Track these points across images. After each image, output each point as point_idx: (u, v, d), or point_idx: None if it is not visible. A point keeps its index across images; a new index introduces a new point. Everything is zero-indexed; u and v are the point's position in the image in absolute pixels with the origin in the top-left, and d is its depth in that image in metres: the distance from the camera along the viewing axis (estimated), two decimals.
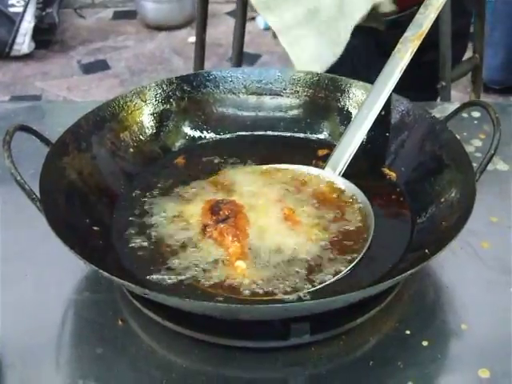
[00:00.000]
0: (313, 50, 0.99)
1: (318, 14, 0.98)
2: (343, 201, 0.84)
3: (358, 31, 1.31)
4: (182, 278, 0.73)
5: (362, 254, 0.76)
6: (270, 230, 0.78)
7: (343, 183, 0.86)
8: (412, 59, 0.91)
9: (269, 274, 0.74)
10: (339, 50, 0.99)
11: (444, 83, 1.39)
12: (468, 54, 1.56)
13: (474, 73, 1.59)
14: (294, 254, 0.76)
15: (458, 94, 2.18)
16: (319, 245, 0.77)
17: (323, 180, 0.87)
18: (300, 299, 0.70)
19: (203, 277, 0.73)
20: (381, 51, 1.31)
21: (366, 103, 0.90)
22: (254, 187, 0.86)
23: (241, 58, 1.59)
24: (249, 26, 3.41)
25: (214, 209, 0.81)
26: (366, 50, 1.33)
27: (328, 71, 1.30)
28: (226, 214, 0.79)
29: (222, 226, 0.78)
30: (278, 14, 1.04)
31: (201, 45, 1.68)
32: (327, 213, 0.82)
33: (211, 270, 0.74)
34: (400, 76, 0.90)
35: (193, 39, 3.18)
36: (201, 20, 1.67)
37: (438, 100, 1.39)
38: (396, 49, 0.92)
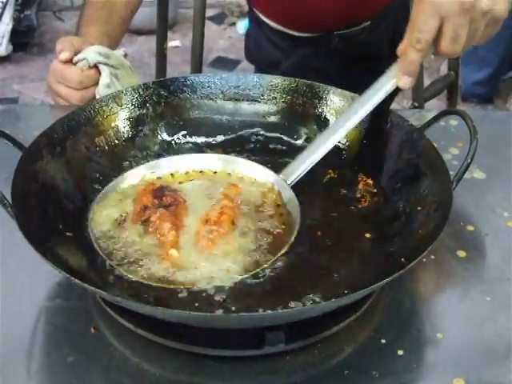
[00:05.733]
0: None
1: None
2: (276, 204, 0.84)
3: (309, 41, 1.37)
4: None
5: (281, 252, 0.76)
6: (203, 229, 0.78)
7: (282, 188, 0.85)
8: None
9: (198, 263, 0.75)
10: None
11: (417, 104, 1.41)
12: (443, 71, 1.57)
13: (450, 89, 1.59)
14: (224, 254, 0.76)
15: (436, 102, 2.19)
16: (248, 246, 0.77)
17: (266, 185, 0.86)
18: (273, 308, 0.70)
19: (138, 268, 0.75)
20: (331, 59, 1.38)
21: (343, 115, 0.88)
22: (198, 187, 0.86)
23: (201, 64, 1.59)
24: (229, 31, 3.44)
25: (156, 193, 0.80)
26: (316, 59, 1.38)
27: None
28: (169, 201, 0.79)
29: (162, 210, 0.78)
30: None
31: (161, 53, 1.61)
32: (261, 216, 0.82)
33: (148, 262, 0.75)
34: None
35: (173, 43, 3.19)
36: (160, 29, 1.60)
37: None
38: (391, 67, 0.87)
